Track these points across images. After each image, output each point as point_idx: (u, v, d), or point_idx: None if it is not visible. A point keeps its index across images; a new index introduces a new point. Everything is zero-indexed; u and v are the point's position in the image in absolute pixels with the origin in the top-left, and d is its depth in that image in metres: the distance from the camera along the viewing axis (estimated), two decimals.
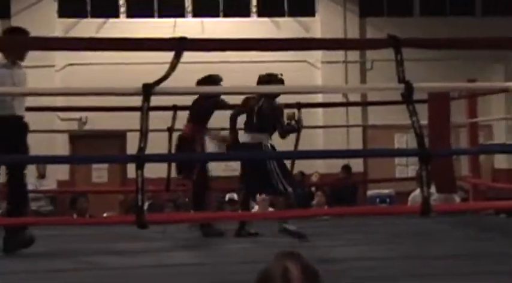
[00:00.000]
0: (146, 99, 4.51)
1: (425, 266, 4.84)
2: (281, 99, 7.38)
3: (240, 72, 13.40)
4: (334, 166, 12.96)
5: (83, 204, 8.98)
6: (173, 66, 4.67)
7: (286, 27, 14.72)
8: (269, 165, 6.37)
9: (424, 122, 7.42)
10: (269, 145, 6.58)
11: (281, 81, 6.66)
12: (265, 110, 6.63)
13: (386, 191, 12.64)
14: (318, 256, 4.92)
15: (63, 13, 14.39)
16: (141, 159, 4.48)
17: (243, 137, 6.69)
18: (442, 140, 7.77)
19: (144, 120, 4.49)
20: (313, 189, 11.78)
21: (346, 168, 12.74)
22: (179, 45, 4.70)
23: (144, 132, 4.49)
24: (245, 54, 12.09)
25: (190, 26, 14.22)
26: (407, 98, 4.66)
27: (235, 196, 10.11)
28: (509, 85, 6.31)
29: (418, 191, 6.85)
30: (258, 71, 13.81)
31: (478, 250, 5.53)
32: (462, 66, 14.00)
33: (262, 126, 6.58)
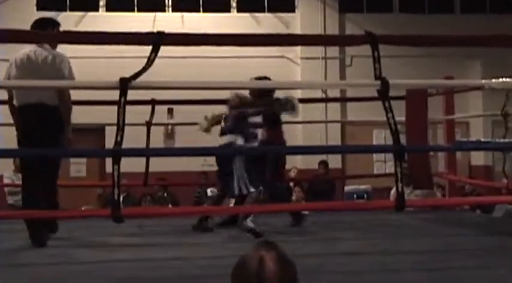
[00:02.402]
0: (123, 93, 4.52)
1: (395, 261, 4.87)
2: None
3: (219, 68, 13.44)
4: (313, 161, 13.00)
5: None
6: (151, 60, 4.68)
7: (266, 22, 14.75)
8: (235, 166, 6.51)
9: (402, 118, 7.49)
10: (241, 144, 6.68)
11: None
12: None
13: (363, 187, 12.72)
14: (292, 251, 4.94)
15: (42, 6, 14.31)
16: (118, 153, 4.48)
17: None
18: (419, 137, 7.83)
19: (121, 114, 4.50)
20: (291, 184, 11.81)
21: (324, 164, 12.79)
22: (157, 39, 4.70)
23: (121, 127, 4.50)
24: (225, 50, 12.07)
25: (170, 21, 14.22)
26: (383, 94, 4.70)
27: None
28: (484, 82, 6.37)
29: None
30: (237, 66, 13.89)
31: (451, 246, 5.58)
32: (440, 63, 14.10)
33: (230, 128, 6.75)
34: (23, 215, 5.63)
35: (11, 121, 5.93)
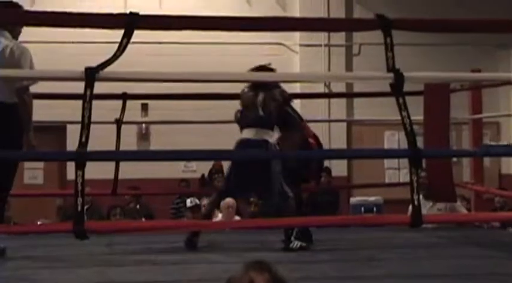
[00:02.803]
0: (89, 86, 4.52)
1: None
2: None
3: (204, 56, 13.43)
4: None
5: None
6: (122, 46, 4.68)
7: (259, 3, 14.70)
8: (273, 166, 6.57)
9: (419, 117, 7.51)
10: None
11: None
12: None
13: (373, 199, 12.71)
14: (289, 275, 4.95)
15: None
16: (82, 156, 4.48)
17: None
18: (439, 139, 7.85)
19: (87, 110, 4.50)
20: None
21: (326, 171, 12.78)
22: (130, 21, 4.70)
23: (86, 125, 4.50)
24: (210, 35, 12.08)
25: (145, 1, 14.19)
26: (397, 89, 4.71)
27: (197, 201, 10.16)
28: None
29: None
30: (225, 55, 13.87)
31: (473, 270, 5.56)
32: (465, 53, 14.13)
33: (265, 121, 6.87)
34: None
35: None
